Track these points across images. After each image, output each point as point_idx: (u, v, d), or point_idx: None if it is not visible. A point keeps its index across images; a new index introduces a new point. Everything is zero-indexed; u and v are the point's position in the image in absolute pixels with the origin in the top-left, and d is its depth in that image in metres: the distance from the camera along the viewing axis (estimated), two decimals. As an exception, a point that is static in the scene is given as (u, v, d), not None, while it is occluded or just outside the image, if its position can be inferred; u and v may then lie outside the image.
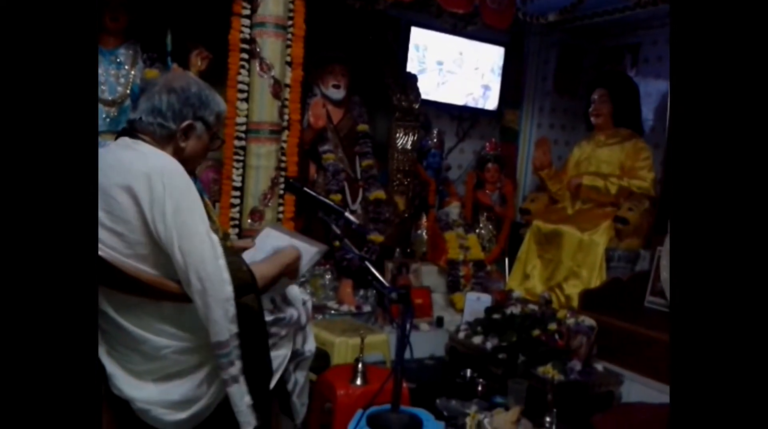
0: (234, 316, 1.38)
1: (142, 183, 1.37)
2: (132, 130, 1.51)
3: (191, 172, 1.54)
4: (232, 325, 1.38)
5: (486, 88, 4.39)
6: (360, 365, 2.05)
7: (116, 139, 1.54)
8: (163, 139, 1.50)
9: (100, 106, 2.77)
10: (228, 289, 1.37)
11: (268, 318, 1.52)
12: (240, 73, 2.68)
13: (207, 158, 3.04)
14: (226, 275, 1.38)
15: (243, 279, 1.42)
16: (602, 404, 2.59)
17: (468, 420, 2.21)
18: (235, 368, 1.39)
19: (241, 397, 1.40)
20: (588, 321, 2.75)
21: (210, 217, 1.48)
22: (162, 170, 1.40)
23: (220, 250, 1.40)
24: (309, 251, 1.69)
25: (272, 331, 1.54)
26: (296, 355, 1.65)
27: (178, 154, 1.51)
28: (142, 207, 1.37)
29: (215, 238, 1.41)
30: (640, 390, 2.68)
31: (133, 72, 2.83)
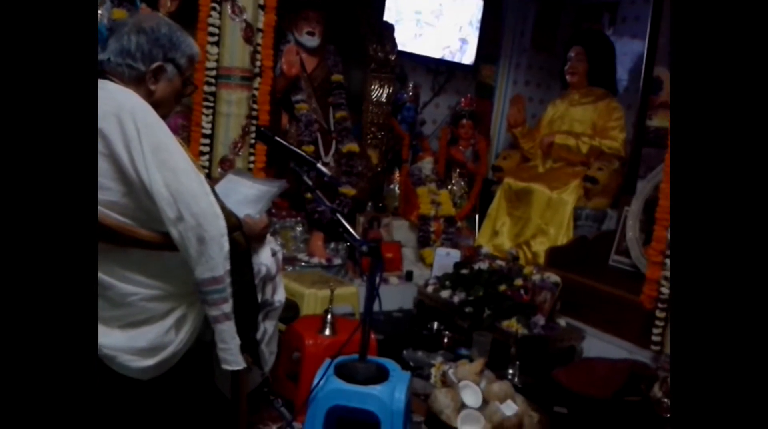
0: (227, 251, 1.39)
1: (112, 124, 1.33)
2: (100, 71, 1.45)
3: (163, 117, 1.49)
4: (226, 262, 1.39)
5: (463, 41, 4.32)
6: (329, 316, 2.07)
7: None
8: (132, 81, 1.46)
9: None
10: (222, 224, 1.39)
11: None
12: (211, 16, 2.57)
13: (175, 104, 2.98)
14: (218, 210, 1.40)
15: (229, 215, 1.44)
16: (563, 358, 2.68)
17: (433, 370, 2.27)
18: (228, 305, 1.41)
19: (232, 336, 1.42)
20: (553, 277, 2.81)
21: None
22: (132, 109, 1.35)
23: (207, 186, 1.41)
24: (270, 191, 1.68)
25: None
26: (265, 305, 1.65)
27: (149, 98, 1.47)
28: (115, 149, 1.33)
29: (201, 174, 1.41)
30: (600, 345, 2.77)
31: (100, 11, 2.69)
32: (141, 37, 1.45)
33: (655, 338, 2.46)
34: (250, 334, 1.50)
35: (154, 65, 1.46)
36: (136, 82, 1.46)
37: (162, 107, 1.51)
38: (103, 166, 1.34)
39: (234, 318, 1.42)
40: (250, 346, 1.64)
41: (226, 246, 1.40)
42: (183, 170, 1.37)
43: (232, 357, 1.43)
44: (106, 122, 1.32)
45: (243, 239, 1.47)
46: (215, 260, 1.38)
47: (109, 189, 1.36)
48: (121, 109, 1.34)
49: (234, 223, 1.46)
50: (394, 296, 3.26)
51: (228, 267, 1.40)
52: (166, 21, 1.53)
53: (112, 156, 1.34)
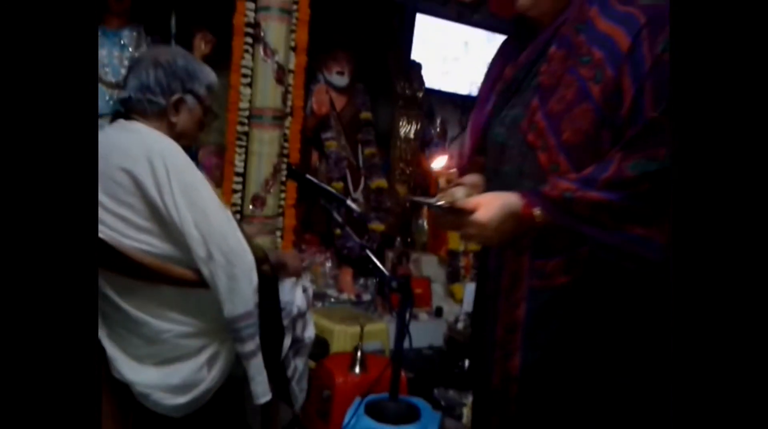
0: (257, 285, 1.42)
1: (144, 167, 1.37)
2: (127, 111, 1.50)
3: (188, 148, 1.53)
4: (255, 295, 1.42)
5: (490, 78, 4.36)
6: (359, 353, 2.06)
7: (111, 121, 1.53)
8: (155, 115, 1.50)
9: (103, 88, 2.75)
10: (250, 259, 1.42)
11: None
12: (244, 58, 2.65)
13: (209, 143, 3.06)
14: (246, 246, 1.43)
15: (256, 249, 1.46)
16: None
17: (465, 410, 2.22)
18: (257, 339, 1.43)
19: (260, 370, 1.43)
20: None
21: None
22: (162, 152, 1.40)
23: (234, 222, 1.44)
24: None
25: None
26: (296, 342, 1.65)
27: (171, 130, 1.51)
28: (147, 192, 1.37)
29: (228, 211, 1.45)
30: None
31: (136, 54, 2.81)
32: (159, 71, 1.49)
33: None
34: (276, 366, 1.50)
35: (174, 98, 1.50)
36: (158, 116, 1.50)
37: (185, 137, 1.55)
38: (139, 206, 1.38)
39: (262, 351, 1.44)
40: (276, 379, 1.65)
41: (255, 280, 1.42)
42: (212, 209, 1.41)
43: (261, 390, 1.44)
44: (138, 166, 1.37)
45: (270, 270, 1.50)
46: (245, 295, 1.40)
47: (143, 227, 1.40)
48: (152, 152, 1.38)
49: (261, 257, 1.48)
50: (424, 333, 3.22)
51: (257, 300, 1.42)
52: (182, 53, 1.57)
53: (145, 197, 1.38)
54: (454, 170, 1.26)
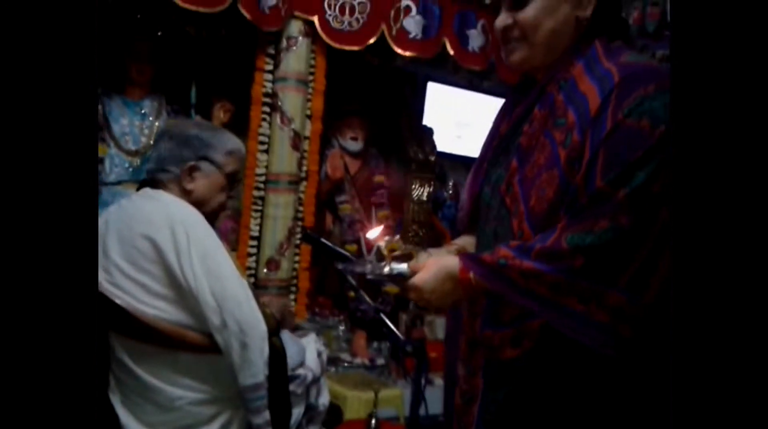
0: (268, 356, 1.41)
1: (165, 234, 1.40)
2: (151, 181, 1.55)
3: (212, 218, 1.56)
4: (265, 367, 1.41)
5: (501, 141, 4.43)
6: (373, 421, 2.01)
7: (138, 189, 1.57)
8: (173, 185, 1.52)
9: (123, 156, 2.83)
10: (263, 328, 1.42)
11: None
12: (261, 126, 2.74)
13: (226, 208, 3.10)
14: (259, 315, 1.43)
15: (268, 318, 1.46)
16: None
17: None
18: (266, 414, 1.41)
19: None
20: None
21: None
22: (183, 220, 1.42)
23: (249, 291, 1.45)
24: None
25: (290, 388, 1.53)
26: (310, 409, 1.63)
27: (187, 197, 1.51)
28: (167, 258, 1.39)
29: (244, 280, 1.46)
30: None
31: (157, 123, 2.91)
32: (171, 143, 1.53)
33: None
34: None
35: (187, 165, 1.51)
36: (174, 184, 1.52)
37: (206, 205, 1.54)
38: (158, 273, 1.40)
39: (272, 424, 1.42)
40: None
41: (266, 350, 1.41)
42: (228, 277, 1.41)
43: None
44: (159, 233, 1.40)
45: (280, 344, 1.48)
46: (257, 365, 1.39)
47: (161, 295, 1.41)
48: (174, 219, 1.41)
49: (273, 327, 1.47)
50: (440, 398, 3.14)
51: (267, 372, 1.41)
52: (196, 123, 1.62)
53: (164, 264, 1.40)
54: (397, 238, 1.22)
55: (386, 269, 1.13)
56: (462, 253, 1.08)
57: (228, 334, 1.39)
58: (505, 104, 1.29)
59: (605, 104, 0.97)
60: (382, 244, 1.18)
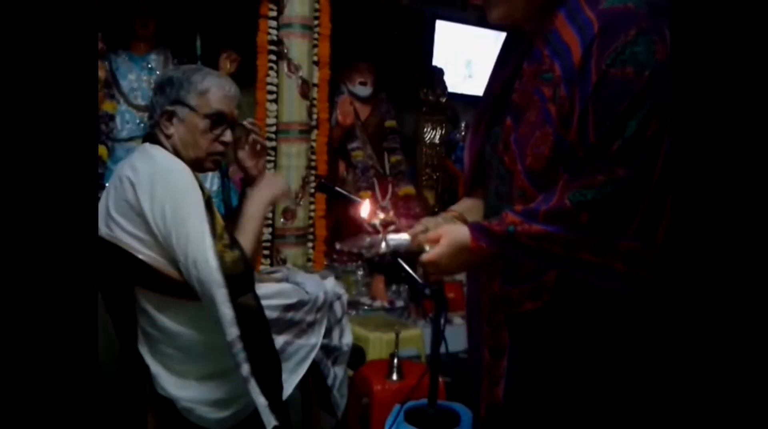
0: (233, 318, 1.35)
1: (146, 187, 1.39)
2: (149, 134, 1.55)
3: (201, 164, 1.52)
4: (232, 328, 1.35)
5: (513, 78, 4.34)
6: (395, 360, 2.07)
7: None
8: (159, 134, 1.50)
9: (134, 111, 2.83)
10: (221, 292, 1.34)
11: (292, 301, 1.51)
12: (268, 75, 2.71)
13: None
14: (217, 277, 1.34)
15: (236, 272, 1.37)
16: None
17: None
18: (245, 369, 1.37)
19: (256, 396, 1.39)
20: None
21: (219, 233, 1.39)
22: (165, 172, 1.41)
23: (212, 252, 1.35)
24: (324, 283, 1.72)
25: (297, 317, 1.52)
26: (334, 350, 1.67)
27: (169, 143, 1.49)
28: (144, 210, 1.38)
29: (209, 240, 1.36)
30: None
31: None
32: (155, 92, 1.53)
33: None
34: (279, 394, 1.45)
35: (163, 110, 1.48)
36: (160, 132, 1.50)
37: (189, 150, 1.49)
38: (141, 223, 1.40)
39: (255, 381, 1.39)
40: (320, 394, 1.67)
41: (230, 313, 1.35)
42: (195, 233, 1.36)
43: (263, 417, 1.39)
44: (142, 186, 1.38)
45: (254, 302, 1.41)
46: (224, 323, 1.35)
47: (152, 245, 1.42)
48: (156, 173, 1.40)
49: (243, 283, 1.39)
50: (459, 336, 3.19)
51: (236, 333, 1.35)
52: (179, 67, 1.57)
53: (142, 214, 1.38)
54: (391, 214, 1.23)
55: (384, 245, 1.16)
56: (471, 224, 1.09)
57: (197, 290, 1.37)
58: (498, 60, 1.27)
59: (588, 55, 0.97)
60: (376, 221, 1.19)
